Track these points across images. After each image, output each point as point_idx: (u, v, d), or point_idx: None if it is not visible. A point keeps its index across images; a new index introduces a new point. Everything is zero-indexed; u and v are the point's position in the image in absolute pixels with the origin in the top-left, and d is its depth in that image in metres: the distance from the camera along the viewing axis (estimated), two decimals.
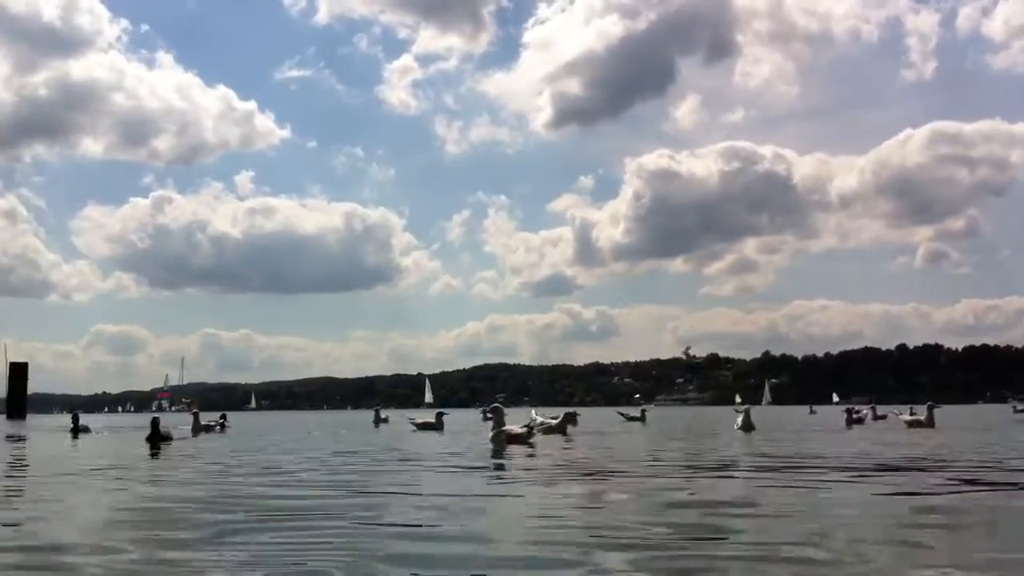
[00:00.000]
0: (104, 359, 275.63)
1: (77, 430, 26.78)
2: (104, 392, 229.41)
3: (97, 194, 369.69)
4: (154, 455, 15.04)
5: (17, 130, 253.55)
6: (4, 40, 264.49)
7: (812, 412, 53.00)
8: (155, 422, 19.35)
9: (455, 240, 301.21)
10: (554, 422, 22.24)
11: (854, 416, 29.66)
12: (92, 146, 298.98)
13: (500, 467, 11.51)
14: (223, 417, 29.44)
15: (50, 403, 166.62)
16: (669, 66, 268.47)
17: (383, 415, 38.84)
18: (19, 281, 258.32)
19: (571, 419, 23.51)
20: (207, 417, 29.14)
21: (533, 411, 29.38)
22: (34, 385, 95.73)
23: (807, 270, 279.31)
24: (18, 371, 74.11)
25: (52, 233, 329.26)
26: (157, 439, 18.55)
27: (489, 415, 21.15)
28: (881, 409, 36.21)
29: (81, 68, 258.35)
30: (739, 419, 23.47)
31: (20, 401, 72.03)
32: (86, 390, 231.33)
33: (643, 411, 37.21)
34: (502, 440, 16.67)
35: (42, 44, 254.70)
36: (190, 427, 25.42)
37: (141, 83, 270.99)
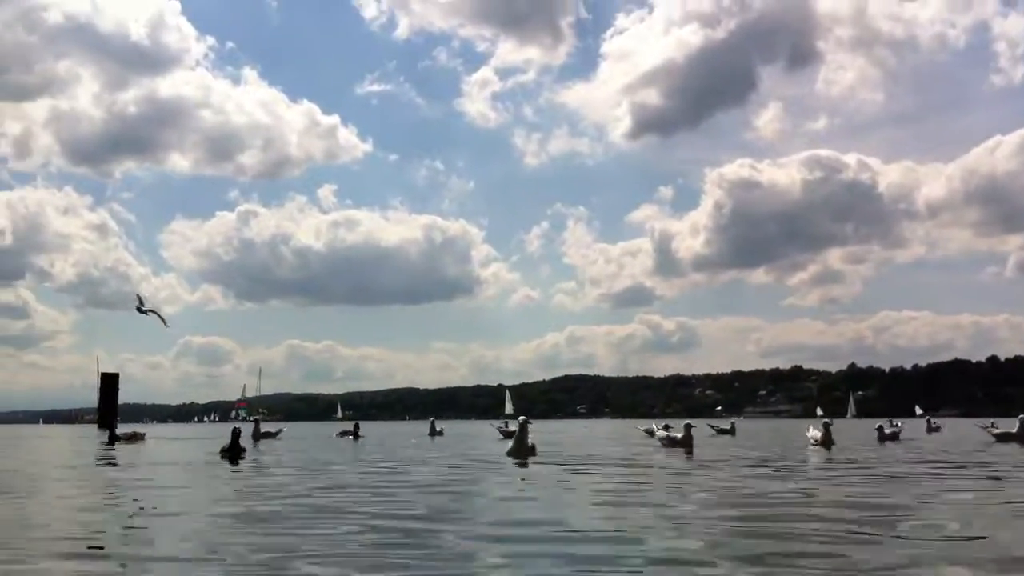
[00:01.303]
0: (192, 370, 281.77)
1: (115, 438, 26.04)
2: (192, 402, 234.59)
3: (184, 208, 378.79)
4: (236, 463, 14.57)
5: (108, 147, 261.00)
6: (94, 59, 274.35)
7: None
8: (236, 434, 18.96)
9: (534, 252, 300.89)
10: (678, 436, 21.83)
11: (886, 432, 28.40)
12: (180, 161, 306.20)
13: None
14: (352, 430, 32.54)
15: (140, 413, 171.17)
16: (750, 74, 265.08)
17: (438, 427, 38.66)
18: (110, 294, 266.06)
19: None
20: (271, 425, 29.72)
21: (654, 423, 29.19)
22: (125, 395, 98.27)
23: (894, 280, 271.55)
24: (110, 382, 76.01)
25: (141, 247, 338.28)
26: (237, 451, 18.29)
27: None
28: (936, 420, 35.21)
29: (169, 85, 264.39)
30: (815, 433, 22.60)
31: (111, 411, 73.83)
32: (175, 400, 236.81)
33: (732, 424, 37.46)
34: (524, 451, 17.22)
35: (131, 62, 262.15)
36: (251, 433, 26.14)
37: (227, 99, 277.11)
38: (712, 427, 38.01)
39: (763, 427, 52.47)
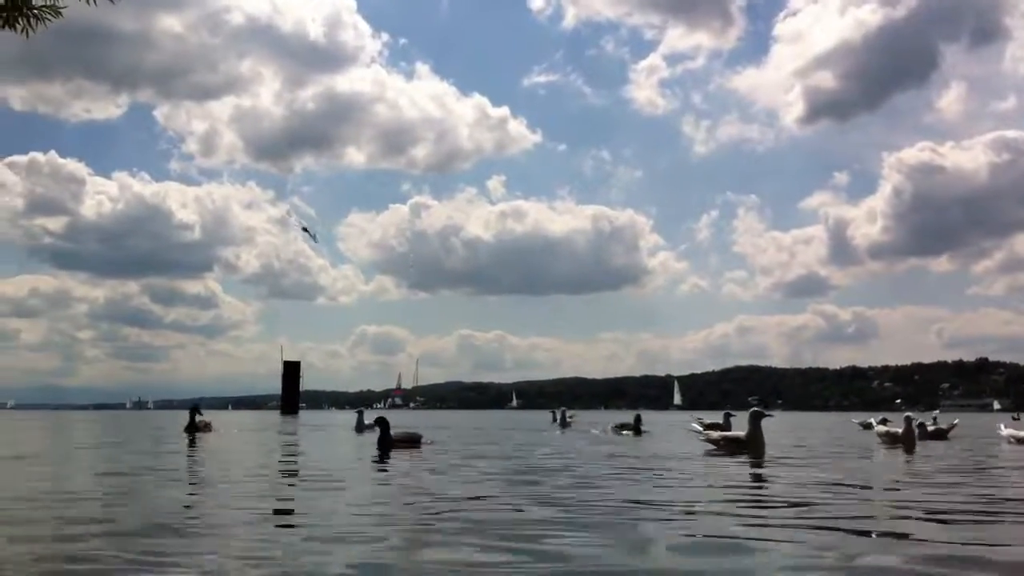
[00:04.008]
0: (368, 358, 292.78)
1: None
2: (368, 390, 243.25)
3: (360, 201, 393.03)
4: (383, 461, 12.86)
5: (289, 143, 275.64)
6: (275, 57, 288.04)
7: None
8: (383, 424, 15.13)
9: (703, 240, 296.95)
10: (899, 431, 17.64)
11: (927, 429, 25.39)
12: (356, 156, 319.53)
13: None
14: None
15: (320, 399, 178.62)
16: (931, 53, 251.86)
17: (568, 416, 34.40)
18: (291, 285, 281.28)
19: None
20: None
21: (871, 418, 26.96)
22: (306, 383, 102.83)
23: None
24: (292, 369, 79.58)
25: (320, 239, 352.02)
26: (388, 444, 14.83)
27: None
28: None
29: (345, 82, 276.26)
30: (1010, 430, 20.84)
31: (293, 398, 77.32)
32: (352, 387, 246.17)
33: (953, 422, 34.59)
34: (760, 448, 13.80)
35: (309, 60, 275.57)
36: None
37: (400, 94, 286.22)
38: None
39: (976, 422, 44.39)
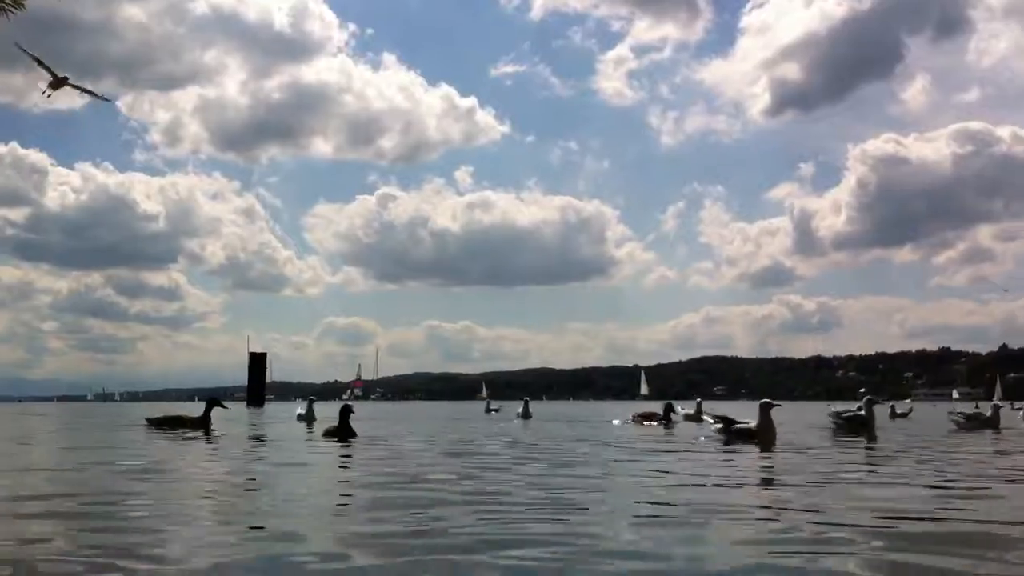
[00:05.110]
0: (335, 350, 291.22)
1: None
2: (336, 381, 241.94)
3: (326, 192, 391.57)
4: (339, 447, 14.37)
5: (254, 133, 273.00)
6: (240, 47, 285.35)
7: None
8: (346, 411, 16.45)
9: (670, 231, 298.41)
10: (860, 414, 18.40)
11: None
12: (322, 146, 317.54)
13: None
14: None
15: (287, 391, 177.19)
16: (896, 45, 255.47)
17: (492, 407, 40.97)
18: (257, 276, 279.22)
19: None
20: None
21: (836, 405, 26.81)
22: (273, 374, 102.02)
23: None
24: (258, 361, 78.81)
25: (287, 230, 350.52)
26: (347, 433, 15.85)
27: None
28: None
29: (312, 72, 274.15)
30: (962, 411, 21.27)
31: (259, 389, 76.64)
32: (319, 379, 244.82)
33: (911, 408, 36.30)
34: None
35: (275, 50, 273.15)
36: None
37: (367, 85, 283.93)
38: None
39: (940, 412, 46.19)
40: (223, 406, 21.70)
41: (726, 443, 14.38)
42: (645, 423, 24.28)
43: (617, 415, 29.74)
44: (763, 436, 14.20)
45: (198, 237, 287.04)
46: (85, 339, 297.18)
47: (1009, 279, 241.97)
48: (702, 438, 16.05)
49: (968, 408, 25.32)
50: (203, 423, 20.12)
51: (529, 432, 19.86)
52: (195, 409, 25.27)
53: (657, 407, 26.48)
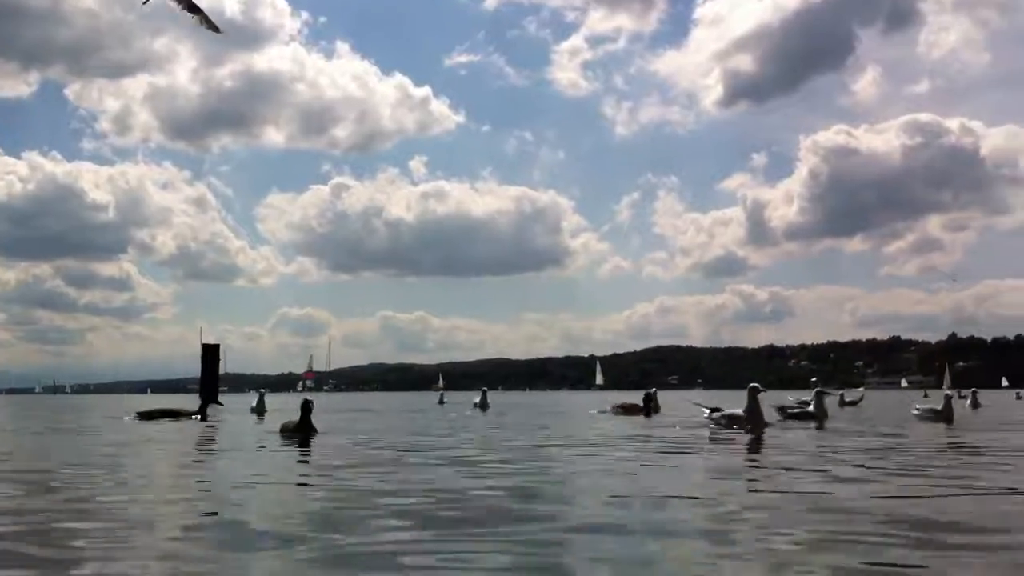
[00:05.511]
0: (289, 340, 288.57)
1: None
2: (290, 372, 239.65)
3: (279, 182, 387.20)
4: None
5: (205, 122, 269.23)
6: (191, 34, 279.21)
7: (1019, 398, 48.22)
8: (307, 408, 14.84)
9: (624, 222, 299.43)
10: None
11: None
12: (275, 135, 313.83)
13: None
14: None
15: (241, 382, 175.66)
16: (848, 37, 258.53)
17: (445, 399, 41.98)
18: (209, 266, 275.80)
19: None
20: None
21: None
22: (227, 365, 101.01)
23: (996, 248, 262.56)
24: (211, 352, 78.04)
25: (239, 220, 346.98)
26: (309, 428, 14.52)
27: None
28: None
29: (264, 60, 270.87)
30: (925, 405, 21.15)
31: (213, 381, 75.93)
32: (274, 370, 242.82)
33: (861, 397, 38.01)
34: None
35: (226, 38, 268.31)
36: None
37: (320, 73, 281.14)
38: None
39: (888, 400, 48.13)
40: (219, 403, 22.19)
41: (724, 427, 15.08)
42: (626, 414, 23.60)
43: (593, 405, 29.82)
44: (753, 421, 14.91)
45: (148, 227, 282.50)
46: (33, 331, 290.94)
47: (957, 268, 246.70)
48: (677, 427, 16.40)
49: (928, 402, 25.37)
50: (202, 418, 20.85)
51: (506, 432, 16.07)
52: (153, 403, 25.18)
53: (627, 397, 26.61)
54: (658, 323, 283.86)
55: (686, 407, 22.69)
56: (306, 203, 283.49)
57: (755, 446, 11.75)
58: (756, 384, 15.85)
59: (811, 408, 19.49)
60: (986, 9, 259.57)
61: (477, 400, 31.68)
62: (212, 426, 19.08)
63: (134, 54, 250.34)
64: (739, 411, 15.31)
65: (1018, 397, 47.75)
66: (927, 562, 4.07)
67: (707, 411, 16.66)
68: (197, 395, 73.60)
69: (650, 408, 23.43)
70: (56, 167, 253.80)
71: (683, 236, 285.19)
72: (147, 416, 21.42)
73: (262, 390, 28.98)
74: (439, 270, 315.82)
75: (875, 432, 15.04)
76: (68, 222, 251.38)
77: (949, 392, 21.50)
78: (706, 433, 14.39)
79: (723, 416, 15.61)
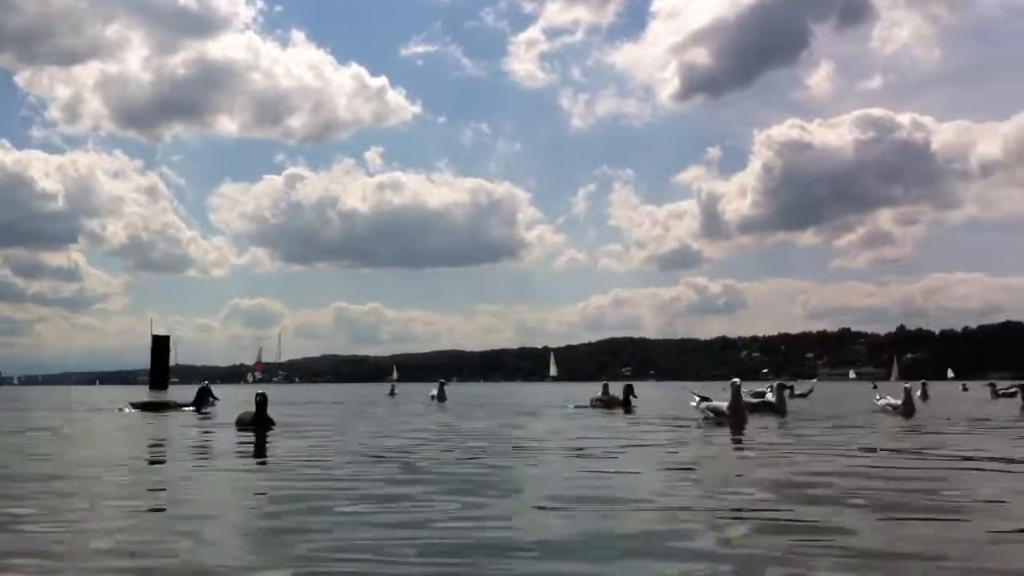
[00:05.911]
0: (241, 332, 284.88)
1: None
2: (242, 364, 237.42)
3: (232, 172, 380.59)
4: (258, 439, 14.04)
5: (157, 110, 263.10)
6: (143, 22, 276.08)
7: (965, 389, 49.25)
8: (263, 401, 14.89)
9: (580, 214, 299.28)
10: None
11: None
12: (228, 125, 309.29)
13: None
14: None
15: (192, 374, 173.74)
16: (802, 32, 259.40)
17: (396, 390, 43.14)
18: (160, 257, 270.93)
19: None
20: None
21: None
22: (178, 357, 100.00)
23: (945, 241, 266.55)
24: (161, 343, 77.37)
25: (191, 209, 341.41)
26: (266, 421, 14.58)
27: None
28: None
29: (218, 48, 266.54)
30: (886, 400, 20.76)
31: (163, 372, 75.27)
32: (225, 362, 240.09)
33: (811, 389, 38.39)
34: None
35: (180, 25, 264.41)
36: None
37: (275, 62, 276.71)
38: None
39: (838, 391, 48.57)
40: (214, 398, 22.66)
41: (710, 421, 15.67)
42: (605, 407, 23.08)
43: (570, 399, 28.86)
44: (735, 417, 15.35)
45: (99, 216, 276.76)
46: None
47: (907, 261, 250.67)
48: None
49: (882, 393, 25.03)
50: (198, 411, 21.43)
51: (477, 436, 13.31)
52: (103, 395, 25.30)
53: (582, 389, 26.40)
54: (612, 315, 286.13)
55: (657, 400, 22.92)
56: (259, 193, 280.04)
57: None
58: (737, 380, 16.20)
59: (770, 399, 19.75)
60: (937, 5, 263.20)
61: (434, 392, 30.82)
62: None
63: (85, 41, 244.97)
64: (724, 405, 15.83)
65: (964, 389, 48.80)
66: None
67: (697, 399, 17.09)
68: (147, 387, 72.97)
69: (630, 402, 23.12)
70: (5, 155, 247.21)
71: (638, 229, 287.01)
72: (142, 408, 22.28)
73: (205, 382, 28.78)
74: (394, 261, 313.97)
75: (844, 424, 15.38)
76: (16, 211, 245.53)
77: (908, 385, 21.20)
78: (697, 430, 14.30)
79: (710, 408, 16.24)
